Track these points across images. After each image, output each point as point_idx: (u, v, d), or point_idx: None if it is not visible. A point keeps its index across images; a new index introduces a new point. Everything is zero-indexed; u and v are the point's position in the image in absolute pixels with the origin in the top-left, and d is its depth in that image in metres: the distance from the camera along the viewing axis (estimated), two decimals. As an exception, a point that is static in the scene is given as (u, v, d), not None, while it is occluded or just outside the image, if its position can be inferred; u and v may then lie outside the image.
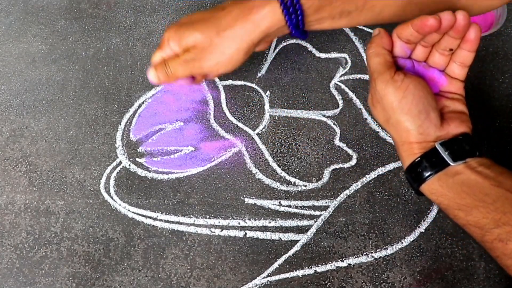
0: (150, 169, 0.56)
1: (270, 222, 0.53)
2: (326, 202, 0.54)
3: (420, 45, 0.44)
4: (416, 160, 0.41)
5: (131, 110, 0.60)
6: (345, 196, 0.54)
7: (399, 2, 0.44)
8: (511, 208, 0.38)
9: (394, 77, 0.41)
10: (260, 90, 0.60)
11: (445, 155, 0.40)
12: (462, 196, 0.39)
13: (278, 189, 0.55)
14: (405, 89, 0.41)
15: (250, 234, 0.53)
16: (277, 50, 0.63)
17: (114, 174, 0.56)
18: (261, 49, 0.48)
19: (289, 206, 0.54)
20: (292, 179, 0.55)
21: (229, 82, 0.61)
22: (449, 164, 0.40)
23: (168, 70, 0.47)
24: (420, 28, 0.41)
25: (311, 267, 0.51)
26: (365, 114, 0.59)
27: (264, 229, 0.53)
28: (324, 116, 0.59)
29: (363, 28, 0.64)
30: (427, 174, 0.41)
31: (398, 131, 0.42)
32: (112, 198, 0.55)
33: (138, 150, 0.57)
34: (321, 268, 0.51)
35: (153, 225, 0.53)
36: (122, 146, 0.57)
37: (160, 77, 0.48)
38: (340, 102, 0.59)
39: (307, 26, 0.45)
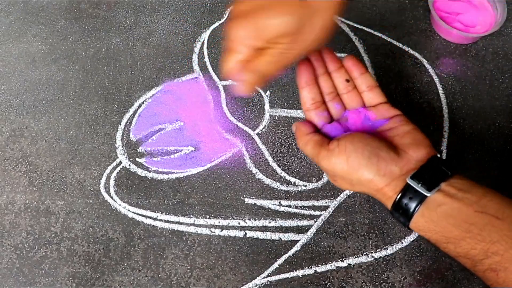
0: (150, 169, 0.56)
1: (270, 222, 0.53)
2: (326, 202, 0.54)
3: (328, 101, 0.47)
4: (396, 201, 0.41)
5: (131, 110, 0.60)
6: (345, 196, 0.54)
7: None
8: (498, 236, 0.37)
9: (330, 148, 0.43)
10: (260, 90, 0.60)
11: (418, 187, 0.40)
12: (449, 229, 0.39)
13: (278, 189, 0.55)
14: (345, 150, 0.42)
15: (250, 234, 0.53)
16: (277, 50, 0.63)
17: (114, 174, 0.56)
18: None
19: (289, 206, 0.54)
20: (292, 179, 0.55)
21: (229, 82, 0.61)
22: (426, 196, 0.39)
23: (259, 73, 0.40)
24: (302, 78, 0.45)
25: (311, 267, 0.51)
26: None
27: (264, 229, 0.53)
28: (324, 116, 0.59)
29: (363, 28, 0.64)
30: (411, 209, 0.40)
31: (365, 185, 0.42)
32: (112, 198, 0.55)
33: (138, 150, 0.57)
34: (321, 268, 0.51)
35: (153, 225, 0.53)
36: (122, 146, 0.57)
37: (252, 83, 0.41)
38: (340, 102, 0.59)
39: None
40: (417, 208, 0.40)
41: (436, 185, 0.40)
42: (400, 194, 0.41)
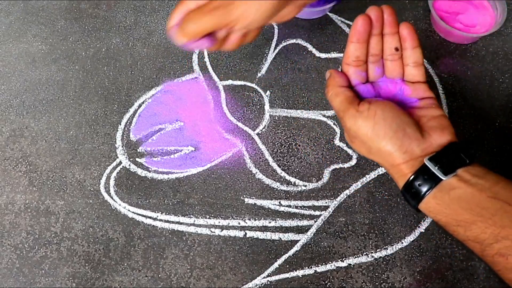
0: (150, 169, 0.56)
1: (270, 222, 0.53)
2: (326, 202, 0.54)
3: (370, 62, 0.45)
4: (409, 180, 0.41)
5: (131, 110, 0.60)
6: (345, 196, 0.54)
7: None
8: (509, 221, 0.37)
9: (359, 109, 0.42)
10: (260, 90, 0.60)
11: (435, 170, 0.40)
12: (460, 212, 0.39)
13: (278, 189, 0.55)
14: (374, 116, 0.41)
15: (250, 234, 0.53)
16: (277, 50, 0.63)
17: (114, 174, 0.56)
18: (288, 17, 0.44)
19: (289, 206, 0.54)
20: (292, 179, 0.55)
21: (229, 82, 0.61)
22: (441, 179, 0.40)
23: (192, 24, 0.41)
24: (356, 33, 0.43)
25: (311, 267, 0.51)
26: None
27: (264, 229, 0.53)
28: (324, 116, 0.59)
29: (363, 28, 0.64)
30: (423, 191, 0.40)
31: (383, 157, 0.42)
32: (112, 198, 0.55)
33: (138, 150, 0.57)
34: (321, 268, 0.51)
35: (153, 225, 0.53)
36: (122, 146, 0.57)
37: (186, 32, 0.41)
38: (340, 102, 0.59)
39: None
40: (429, 191, 0.40)
41: (453, 170, 0.40)
42: (414, 174, 0.40)
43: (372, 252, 0.51)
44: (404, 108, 0.44)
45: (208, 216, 0.53)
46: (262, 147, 0.57)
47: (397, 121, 0.41)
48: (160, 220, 0.53)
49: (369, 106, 0.42)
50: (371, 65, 0.46)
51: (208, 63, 0.62)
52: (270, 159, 0.56)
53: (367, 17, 0.43)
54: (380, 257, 0.51)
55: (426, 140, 0.41)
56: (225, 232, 0.53)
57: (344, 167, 0.56)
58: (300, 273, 0.51)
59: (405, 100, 0.45)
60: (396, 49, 0.45)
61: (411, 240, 0.52)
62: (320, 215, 0.53)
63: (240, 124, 0.58)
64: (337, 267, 0.51)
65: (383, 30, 0.45)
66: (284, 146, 0.57)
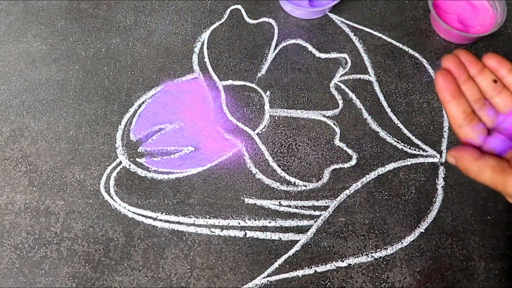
0: (150, 169, 0.56)
1: (270, 222, 0.53)
2: (326, 202, 0.54)
3: (478, 110, 0.41)
4: None
5: (131, 110, 0.60)
6: (345, 196, 0.54)
7: None
8: None
9: None
10: (260, 90, 0.60)
11: None
12: None
13: (278, 189, 0.55)
14: None
15: (250, 234, 0.53)
16: (277, 50, 0.63)
17: (114, 174, 0.56)
18: None
19: (289, 206, 0.54)
20: (292, 179, 0.55)
21: (229, 82, 0.61)
22: None
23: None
24: (446, 91, 0.39)
25: (311, 267, 0.51)
26: (365, 114, 0.59)
27: (264, 229, 0.53)
28: (324, 116, 0.59)
29: (363, 28, 0.64)
30: None
31: None
32: (112, 198, 0.55)
33: (138, 150, 0.57)
34: (321, 268, 0.51)
35: (153, 225, 0.53)
36: (122, 146, 0.57)
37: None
38: (340, 102, 0.59)
39: None
40: None
41: None
42: None
43: (372, 252, 0.51)
44: None
45: (208, 216, 0.53)
46: (262, 147, 0.57)
47: None
48: (160, 220, 0.53)
49: None
50: (481, 112, 0.41)
51: (208, 63, 0.62)
52: (270, 159, 0.56)
53: (445, 71, 0.39)
54: (380, 257, 0.51)
55: None
56: (225, 232, 0.53)
57: (344, 167, 0.56)
58: (300, 273, 0.51)
59: None
60: (495, 81, 0.40)
61: (411, 240, 0.52)
62: (320, 215, 0.53)
63: (240, 124, 0.58)
64: (337, 267, 0.51)
65: (470, 73, 0.40)
66: (284, 146, 0.57)
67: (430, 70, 0.61)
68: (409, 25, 0.65)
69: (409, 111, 0.59)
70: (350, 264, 0.51)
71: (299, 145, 0.57)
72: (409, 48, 0.63)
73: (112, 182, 0.55)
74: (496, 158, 0.38)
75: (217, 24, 0.65)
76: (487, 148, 0.39)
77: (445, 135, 0.57)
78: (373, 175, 0.55)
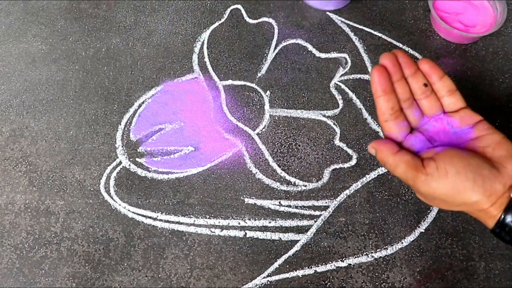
0: (150, 169, 0.56)
1: (270, 222, 0.53)
2: (326, 202, 0.54)
3: (405, 108, 0.43)
4: (500, 220, 0.38)
5: (131, 110, 0.60)
6: (345, 196, 0.54)
7: None
8: None
9: (428, 171, 0.39)
10: (260, 90, 0.60)
11: None
12: None
13: (278, 189, 0.55)
14: (446, 174, 0.38)
15: (250, 234, 0.53)
16: (277, 50, 0.63)
17: (114, 174, 0.56)
18: None
19: (289, 206, 0.54)
20: (292, 179, 0.55)
21: (229, 82, 0.61)
22: None
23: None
24: (379, 86, 0.41)
25: (311, 267, 0.51)
26: (365, 114, 0.59)
27: (264, 229, 0.53)
28: (324, 116, 0.59)
29: (363, 28, 0.64)
30: None
31: (468, 206, 0.39)
32: (112, 198, 0.55)
33: (138, 150, 0.57)
34: (321, 268, 0.51)
35: (153, 225, 0.53)
36: (122, 146, 0.57)
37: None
38: (340, 102, 0.59)
39: None
40: None
41: None
42: (504, 213, 0.38)
43: (372, 252, 0.51)
44: (467, 147, 0.41)
45: (208, 216, 0.53)
46: (262, 147, 0.57)
47: (470, 169, 0.38)
48: (160, 220, 0.53)
49: (435, 164, 0.39)
50: (408, 111, 0.43)
51: (208, 63, 0.62)
52: (270, 159, 0.56)
53: (381, 67, 0.42)
54: (380, 257, 0.51)
55: (503, 174, 0.38)
56: (225, 232, 0.53)
57: (344, 167, 0.56)
58: (300, 273, 0.51)
59: (459, 133, 0.42)
60: (425, 85, 0.42)
61: (411, 240, 0.52)
62: (320, 215, 0.53)
63: (240, 124, 0.58)
64: (337, 267, 0.51)
65: (404, 73, 0.42)
66: (284, 146, 0.57)
67: (430, 70, 0.61)
68: (409, 25, 0.65)
69: (409, 111, 0.59)
70: (350, 264, 0.51)
71: (299, 145, 0.57)
72: (409, 48, 0.63)
73: (112, 182, 0.55)
74: (411, 155, 0.40)
75: (217, 24, 0.65)
76: (407, 144, 0.42)
77: (445, 135, 0.57)
78: (373, 175, 0.55)
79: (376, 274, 0.50)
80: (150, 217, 0.53)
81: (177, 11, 0.66)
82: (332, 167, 0.56)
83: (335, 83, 0.61)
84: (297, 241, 0.52)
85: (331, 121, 0.58)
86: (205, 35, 0.64)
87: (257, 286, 0.50)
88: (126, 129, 0.58)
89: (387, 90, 0.42)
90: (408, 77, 0.42)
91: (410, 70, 0.42)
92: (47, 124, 0.59)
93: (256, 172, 0.56)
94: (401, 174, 0.40)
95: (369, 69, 0.61)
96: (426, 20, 0.65)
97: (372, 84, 0.42)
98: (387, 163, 0.41)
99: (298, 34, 0.64)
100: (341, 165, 0.56)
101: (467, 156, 0.39)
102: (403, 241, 0.52)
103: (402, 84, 0.42)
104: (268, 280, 0.50)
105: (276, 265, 0.51)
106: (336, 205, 0.54)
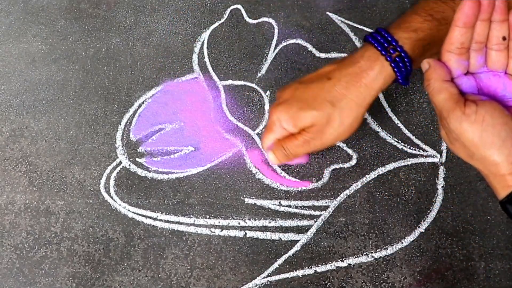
0: (150, 169, 0.56)
1: (270, 222, 0.53)
2: (326, 202, 0.54)
3: (472, 50, 0.41)
4: None
5: (131, 110, 0.60)
6: (345, 196, 0.54)
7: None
8: None
9: (466, 111, 0.38)
10: (260, 90, 0.60)
11: None
12: None
13: (278, 189, 0.55)
14: (482, 122, 0.37)
15: (250, 234, 0.53)
16: (277, 50, 0.63)
17: (114, 174, 0.56)
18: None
19: (289, 206, 0.54)
20: (292, 179, 0.55)
21: (229, 82, 0.61)
22: None
23: (287, 151, 0.48)
24: (464, 17, 0.39)
25: (311, 267, 0.51)
26: (365, 114, 0.59)
27: (264, 229, 0.53)
28: (324, 116, 0.59)
29: (363, 28, 0.64)
30: None
31: (485, 165, 0.39)
32: (112, 198, 0.55)
33: (138, 150, 0.57)
34: (321, 268, 0.51)
35: (153, 225, 0.53)
36: (122, 146, 0.57)
37: (280, 159, 0.49)
38: (340, 102, 0.59)
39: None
40: None
41: None
42: None
43: (372, 252, 0.51)
44: (507, 107, 0.40)
45: (208, 216, 0.53)
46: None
47: (505, 128, 0.37)
48: (160, 220, 0.53)
49: (476, 109, 0.38)
50: (473, 53, 0.41)
51: (208, 63, 0.62)
52: (270, 159, 0.56)
53: (476, 2, 0.39)
54: (380, 257, 0.51)
55: None
56: (225, 232, 0.53)
57: (344, 167, 0.56)
58: (300, 273, 0.51)
59: (506, 97, 0.41)
60: (504, 38, 0.40)
61: (411, 240, 0.52)
62: (320, 215, 0.53)
63: (240, 124, 0.58)
64: (337, 267, 0.51)
65: (492, 16, 0.40)
66: (284, 146, 0.57)
67: (430, 70, 0.61)
68: (409, 25, 0.64)
69: (409, 111, 0.58)
70: (350, 264, 0.51)
71: (299, 145, 0.57)
72: (409, 48, 0.63)
73: (112, 182, 0.55)
74: (457, 90, 0.40)
75: (217, 24, 0.65)
76: (457, 82, 0.41)
77: (445, 135, 0.57)
78: (373, 175, 0.55)
79: (376, 274, 0.50)
80: (150, 217, 0.53)
81: (177, 11, 0.66)
82: (332, 167, 0.56)
83: (335, 83, 0.60)
84: (297, 241, 0.52)
85: (331, 121, 0.58)
86: (205, 35, 0.64)
87: (257, 286, 0.50)
88: (126, 129, 0.58)
89: (468, 25, 0.40)
90: (493, 21, 0.40)
91: (500, 16, 0.40)
92: (47, 124, 0.59)
93: (256, 172, 0.56)
94: (440, 102, 0.40)
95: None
96: (426, 20, 0.65)
97: (457, 12, 0.39)
98: (432, 86, 0.40)
99: (298, 34, 0.64)
100: (341, 165, 0.56)
101: (509, 117, 0.38)
102: (403, 241, 0.52)
103: (484, 26, 0.40)
104: (268, 280, 0.50)
105: (276, 265, 0.51)
106: (336, 205, 0.54)
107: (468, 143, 0.38)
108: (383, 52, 0.44)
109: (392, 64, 0.44)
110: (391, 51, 0.44)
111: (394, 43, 0.45)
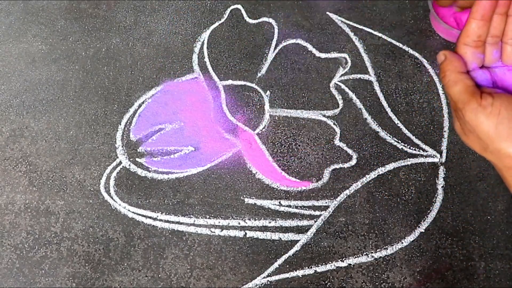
0: (150, 169, 0.56)
1: (270, 222, 0.53)
2: (326, 202, 0.54)
3: (488, 43, 0.41)
4: None
5: (131, 110, 0.60)
6: (345, 196, 0.54)
7: None
8: None
9: (482, 103, 0.38)
10: (260, 90, 0.60)
11: None
12: None
13: (278, 189, 0.55)
14: (498, 114, 0.37)
15: (250, 234, 0.53)
16: (277, 50, 0.63)
17: (114, 174, 0.56)
18: None
19: (289, 206, 0.54)
20: (292, 179, 0.55)
21: (229, 82, 0.61)
22: None
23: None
24: (482, 9, 0.39)
25: (311, 267, 0.51)
26: (365, 114, 0.59)
27: (264, 229, 0.53)
28: (324, 116, 0.59)
29: (363, 28, 0.64)
30: None
31: (500, 158, 0.39)
32: (112, 198, 0.55)
33: (138, 150, 0.57)
34: (321, 268, 0.51)
35: (153, 225, 0.53)
36: (122, 146, 0.57)
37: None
38: (340, 102, 0.59)
39: None
40: None
41: None
42: None
43: (372, 252, 0.51)
44: None
45: (208, 216, 0.53)
46: (262, 147, 0.57)
47: None
48: (160, 220, 0.53)
49: (492, 101, 0.38)
50: (489, 47, 0.42)
51: (208, 63, 0.62)
52: (270, 159, 0.56)
53: None
54: (380, 257, 0.51)
55: None
56: (225, 232, 0.53)
57: (344, 167, 0.56)
58: (300, 273, 0.51)
59: None
60: None
61: (411, 240, 0.52)
62: (320, 215, 0.53)
63: (240, 124, 0.58)
64: (337, 267, 0.51)
65: (509, 10, 0.40)
66: (284, 146, 0.57)
67: (430, 70, 0.61)
68: (409, 25, 0.65)
69: (409, 111, 0.59)
70: (350, 264, 0.51)
71: (299, 145, 0.57)
72: (409, 48, 0.63)
73: (112, 182, 0.55)
74: (473, 81, 0.39)
75: (217, 24, 0.65)
76: (472, 75, 0.41)
77: (445, 135, 0.57)
78: (373, 175, 0.55)
79: (376, 274, 0.50)
80: (150, 217, 0.53)
81: (177, 11, 0.66)
82: (332, 167, 0.56)
83: (335, 83, 0.61)
84: (297, 241, 0.52)
85: (331, 121, 0.58)
86: (205, 35, 0.64)
87: (257, 286, 0.50)
88: (126, 129, 0.58)
89: (486, 18, 0.40)
90: (510, 16, 0.40)
91: None
92: (47, 124, 0.59)
93: (256, 172, 0.56)
94: (455, 93, 0.40)
95: (369, 69, 0.61)
96: (426, 20, 0.65)
97: (475, 5, 0.40)
98: (448, 77, 0.40)
99: (298, 34, 0.64)
100: (341, 165, 0.56)
101: None
102: (403, 241, 0.52)
103: (500, 20, 0.41)
104: (268, 280, 0.50)
105: (276, 265, 0.51)
106: (336, 205, 0.54)
107: (483, 135, 0.38)
108: None
109: None
110: None
111: None
